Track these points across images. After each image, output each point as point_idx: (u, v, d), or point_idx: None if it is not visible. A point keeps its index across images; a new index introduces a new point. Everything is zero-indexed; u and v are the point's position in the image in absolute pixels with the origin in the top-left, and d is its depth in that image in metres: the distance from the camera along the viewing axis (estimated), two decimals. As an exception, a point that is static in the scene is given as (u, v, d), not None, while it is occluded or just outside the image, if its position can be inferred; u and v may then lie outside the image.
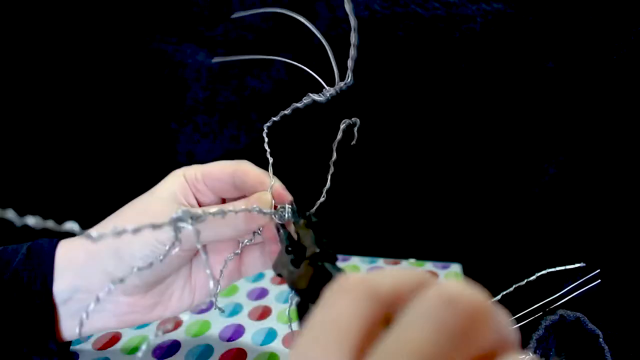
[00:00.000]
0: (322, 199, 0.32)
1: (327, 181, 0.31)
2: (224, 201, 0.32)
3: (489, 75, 0.48)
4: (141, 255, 0.26)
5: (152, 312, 0.30)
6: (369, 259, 0.53)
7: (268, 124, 0.30)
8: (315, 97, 0.27)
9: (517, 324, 0.35)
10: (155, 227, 0.19)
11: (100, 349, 0.38)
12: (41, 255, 0.28)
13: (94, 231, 0.17)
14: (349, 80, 0.26)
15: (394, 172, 0.55)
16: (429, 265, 0.51)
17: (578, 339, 0.38)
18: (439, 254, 0.53)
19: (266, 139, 0.30)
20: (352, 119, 0.30)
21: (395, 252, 0.53)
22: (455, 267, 0.50)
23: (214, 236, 0.28)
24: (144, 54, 0.53)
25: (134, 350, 0.38)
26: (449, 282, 0.14)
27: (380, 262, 0.52)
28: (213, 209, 0.24)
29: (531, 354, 0.34)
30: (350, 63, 0.24)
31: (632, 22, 0.43)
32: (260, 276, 0.49)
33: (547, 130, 0.49)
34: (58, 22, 0.53)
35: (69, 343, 0.31)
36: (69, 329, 0.28)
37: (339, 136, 0.29)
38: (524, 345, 0.36)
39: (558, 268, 0.36)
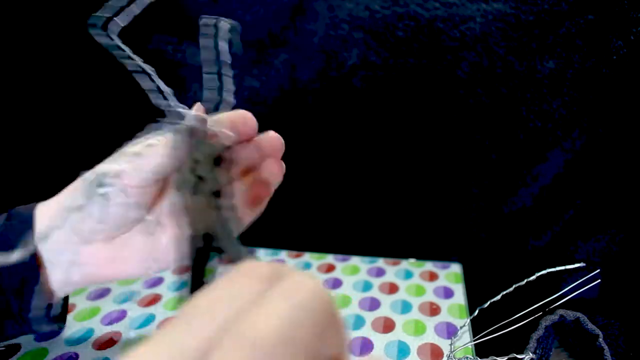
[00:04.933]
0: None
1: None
2: None
3: (489, 75, 0.48)
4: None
5: (111, 266, 0.29)
6: (369, 258, 0.53)
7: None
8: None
9: (517, 324, 0.35)
10: (76, 209, 0.20)
11: (100, 349, 0.38)
12: (21, 217, 0.28)
13: None
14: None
15: (394, 172, 0.55)
16: (429, 265, 0.51)
17: (578, 339, 0.38)
18: (439, 254, 0.53)
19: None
20: None
21: (395, 252, 0.53)
22: (455, 267, 0.50)
23: (146, 176, 0.27)
24: (144, 54, 0.53)
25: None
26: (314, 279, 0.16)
27: (380, 262, 0.52)
28: (126, 156, 0.24)
29: (531, 354, 0.34)
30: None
31: (632, 22, 0.43)
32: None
33: (547, 130, 0.49)
34: (57, 22, 0.53)
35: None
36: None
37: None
38: (524, 345, 0.36)
39: (558, 268, 0.36)
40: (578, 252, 0.51)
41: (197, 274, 0.22)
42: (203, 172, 0.23)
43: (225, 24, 0.25)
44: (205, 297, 0.15)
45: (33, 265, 0.27)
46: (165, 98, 0.25)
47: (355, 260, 0.53)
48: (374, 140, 0.54)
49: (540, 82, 0.47)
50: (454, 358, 0.36)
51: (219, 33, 0.25)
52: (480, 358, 0.35)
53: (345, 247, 0.55)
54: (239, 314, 0.14)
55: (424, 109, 0.51)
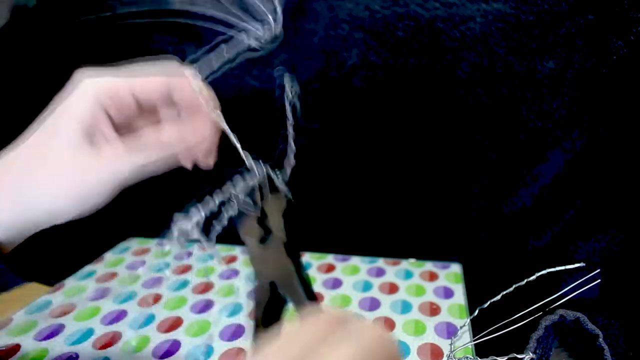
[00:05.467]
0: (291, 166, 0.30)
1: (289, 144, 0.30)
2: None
3: (489, 75, 0.48)
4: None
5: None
6: (369, 258, 0.53)
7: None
8: (251, 42, 0.28)
9: (517, 324, 0.35)
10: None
11: (100, 348, 0.38)
12: None
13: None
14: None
15: (394, 172, 0.55)
16: (429, 265, 0.51)
17: (578, 339, 0.38)
18: (439, 254, 0.53)
19: None
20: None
21: (395, 252, 0.53)
22: (455, 267, 0.50)
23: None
24: (144, 53, 0.53)
25: (134, 350, 0.38)
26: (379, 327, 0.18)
27: (380, 262, 0.52)
28: (201, 212, 0.25)
29: (531, 354, 0.34)
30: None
31: (632, 22, 0.43)
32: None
33: (547, 130, 0.49)
34: (57, 22, 0.53)
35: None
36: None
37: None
38: (524, 345, 0.36)
39: (558, 268, 0.36)
40: (578, 252, 0.50)
41: (269, 321, 0.24)
42: (272, 225, 0.25)
43: (294, 89, 0.29)
44: (287, 333, 0.17)
45: None
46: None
47: (355, 260, 0.53)
48: (374, 141, 0.54)
49: (540, 82, 0.47)
50: (454, 358, 0.36)
51: (288, 96, 0.29)
52: (480, 358, 0.35)
53: (345, 247, 0.55)
54: (309, 351, 0.16)
55: (424, 109, 0.51)
